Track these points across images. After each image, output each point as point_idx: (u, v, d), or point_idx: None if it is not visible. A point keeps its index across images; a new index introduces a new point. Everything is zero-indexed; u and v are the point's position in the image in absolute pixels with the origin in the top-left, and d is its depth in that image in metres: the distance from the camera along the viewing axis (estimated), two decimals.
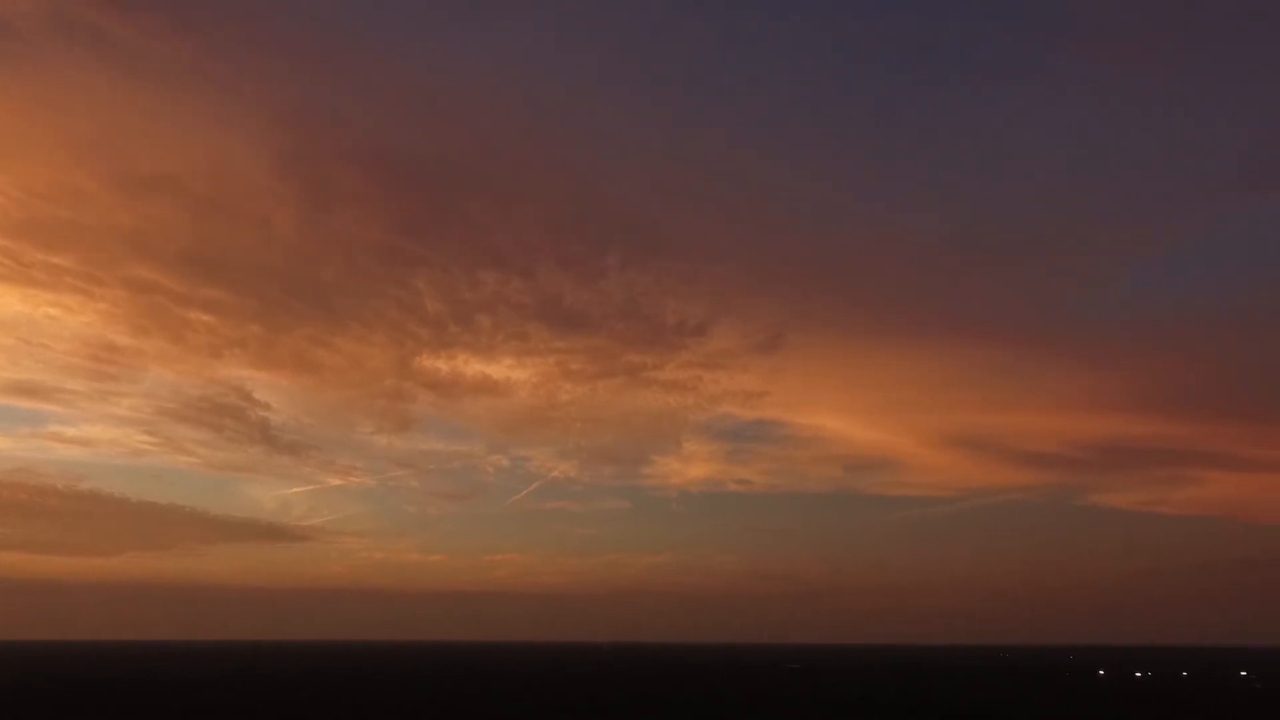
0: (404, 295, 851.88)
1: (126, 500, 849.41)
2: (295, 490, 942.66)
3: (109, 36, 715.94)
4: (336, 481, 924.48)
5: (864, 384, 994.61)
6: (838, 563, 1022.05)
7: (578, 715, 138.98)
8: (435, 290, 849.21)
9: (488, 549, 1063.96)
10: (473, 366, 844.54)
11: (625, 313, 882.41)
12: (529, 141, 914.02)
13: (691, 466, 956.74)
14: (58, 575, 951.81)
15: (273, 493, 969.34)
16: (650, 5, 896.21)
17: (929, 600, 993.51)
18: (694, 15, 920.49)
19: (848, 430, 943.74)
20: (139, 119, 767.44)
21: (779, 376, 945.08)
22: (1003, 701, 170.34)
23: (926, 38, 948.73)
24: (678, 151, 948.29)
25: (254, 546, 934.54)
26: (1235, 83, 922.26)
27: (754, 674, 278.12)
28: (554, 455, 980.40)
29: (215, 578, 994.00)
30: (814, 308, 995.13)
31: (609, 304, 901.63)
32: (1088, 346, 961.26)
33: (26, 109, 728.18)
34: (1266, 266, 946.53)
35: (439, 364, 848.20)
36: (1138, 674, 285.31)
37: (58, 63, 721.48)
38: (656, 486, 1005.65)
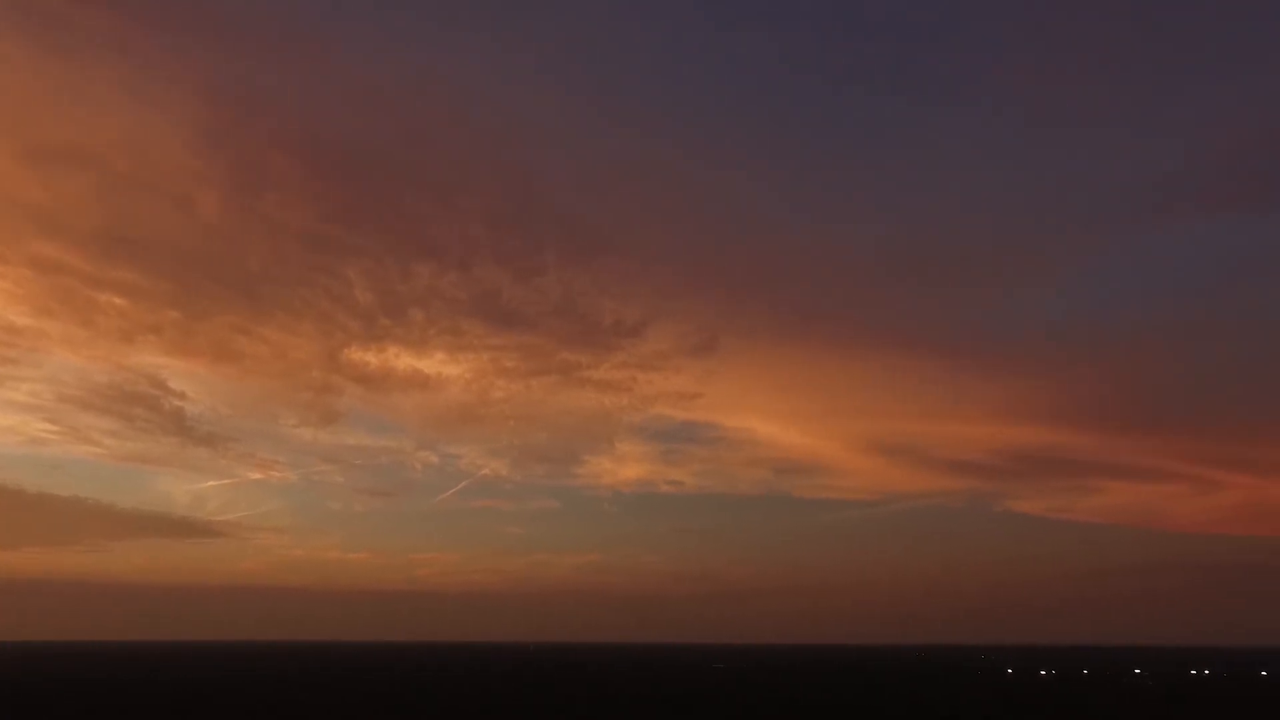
0: (334, 285, 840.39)
1: (23, 491, 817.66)
2: (211, 484, 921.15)
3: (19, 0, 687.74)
4: (256, 475, 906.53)
5: (795, 389, 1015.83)
6: (764, 564, 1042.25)
7: (496, 715, 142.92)
8: (367, 281, 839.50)
9: (413, 547, 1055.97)
10: (403, 360, 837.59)
11: (561, 311, 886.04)
12: (470, 135, 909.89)
13: (624, 467, 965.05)
14: None
15: (186, 486, 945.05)
16: (597, 5, 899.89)
17: (849, 601, 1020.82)
18: (640, 18, 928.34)
19: (778, 434, 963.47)
20: (51, 88, 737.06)
21: (712, 379, 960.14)
22: (913, 700, 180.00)
23: (868, 55, 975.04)
24: (620, 153, 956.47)
25: (164, 542, 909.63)
26: (1159, 108, 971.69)
27: (679, 674, 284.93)
28: (485, 453, 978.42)
29: (121, 574, 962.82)
30: (748, 313, 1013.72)
31: (545, 302, 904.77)
32: (1007, 359, 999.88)
33: None
34: (1178, 287, 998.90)
35: (368, 357, 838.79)
36: (1043, 672, 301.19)
37: None
38: (588, 486, 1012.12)
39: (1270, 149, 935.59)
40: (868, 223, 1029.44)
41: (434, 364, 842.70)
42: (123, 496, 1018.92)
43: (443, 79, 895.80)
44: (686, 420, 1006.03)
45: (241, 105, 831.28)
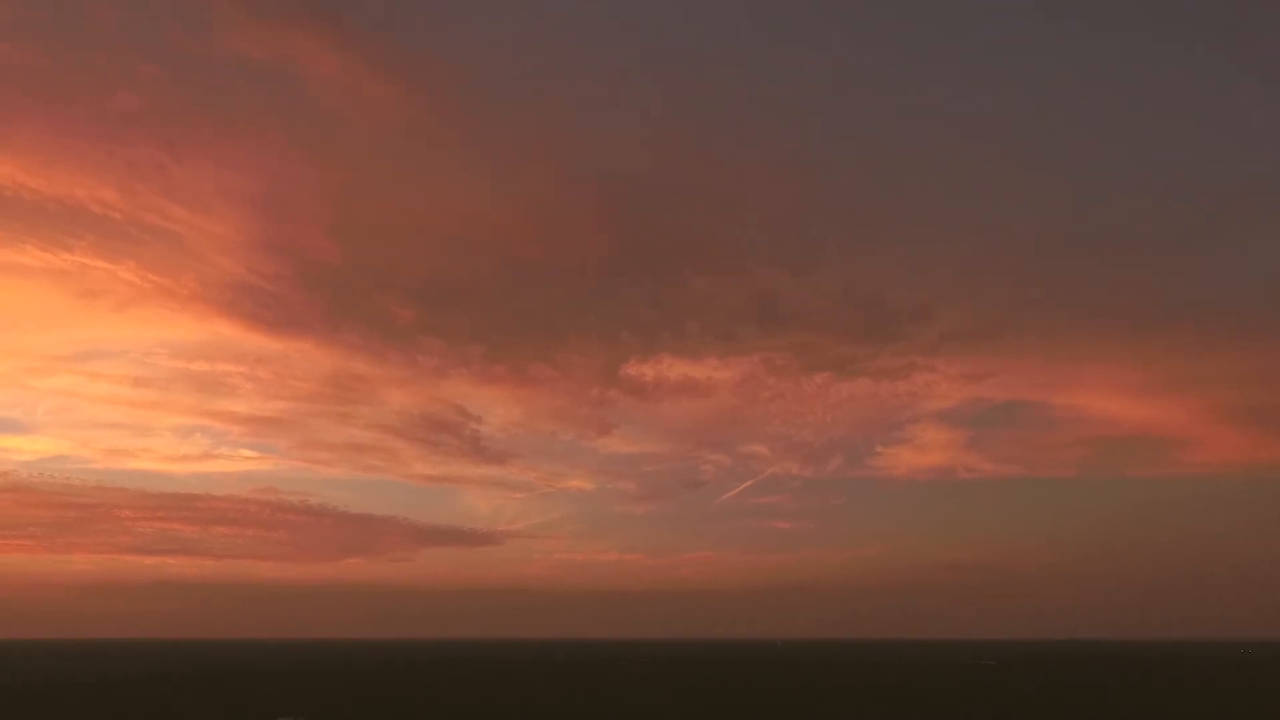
0: (618, 306, 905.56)
1: (347, 512, 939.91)
2: (503, 497, 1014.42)
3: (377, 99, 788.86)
4: (542, 488, 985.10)
5: (1106, 360, 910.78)
6: (1079, 552, 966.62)
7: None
8: (648, 299, 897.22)
9: (683, 547, 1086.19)
10: (676, 370, 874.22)
11: (843, 303, 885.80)
12: (749, 148, 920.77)
13: (918, 455, 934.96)
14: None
15: (483, 501, 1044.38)
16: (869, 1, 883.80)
17: (1173, 590, 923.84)
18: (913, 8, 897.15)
19: (1091, 408, 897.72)
20: (393, 167, 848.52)
21: (1009, 358, 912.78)
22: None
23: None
24: (897, 136, 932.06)
25: (458, 551, 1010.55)
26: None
27: (922, 671, 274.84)
28: (769, 451, 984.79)
29: (421, 580, 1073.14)
30: (1048, 286, 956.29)
31: (825, 296, 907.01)
32: None
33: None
34: None
35: (644, 369, 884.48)
36: None
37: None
38: (879, 479, 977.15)
39: None
40: (1181, 186, 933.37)
41: (705, 370, 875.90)
42: (427, 513, 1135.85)
43: (726, 101, 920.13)
44: (983, 402, 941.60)
45: (539, 151, 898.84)
